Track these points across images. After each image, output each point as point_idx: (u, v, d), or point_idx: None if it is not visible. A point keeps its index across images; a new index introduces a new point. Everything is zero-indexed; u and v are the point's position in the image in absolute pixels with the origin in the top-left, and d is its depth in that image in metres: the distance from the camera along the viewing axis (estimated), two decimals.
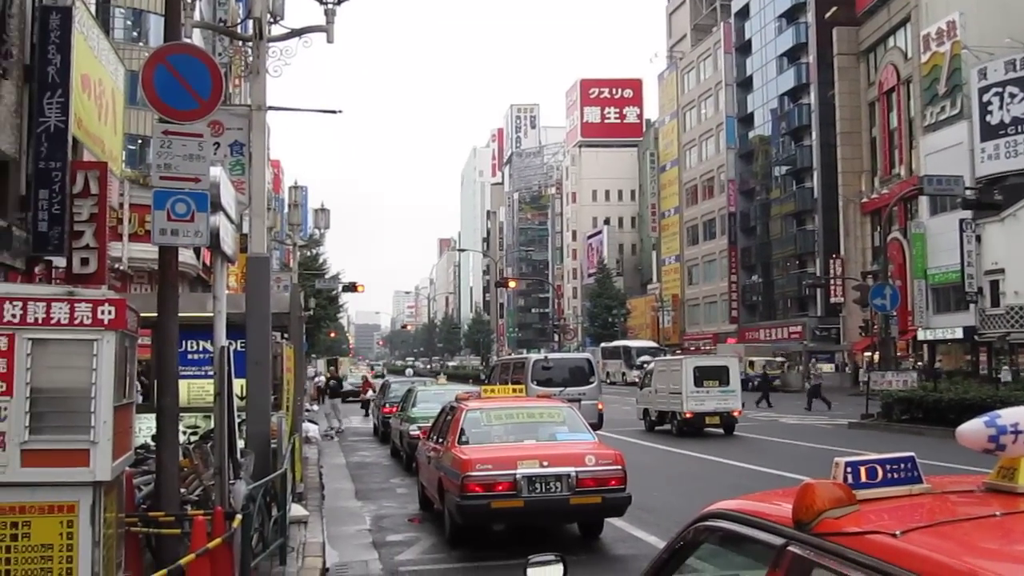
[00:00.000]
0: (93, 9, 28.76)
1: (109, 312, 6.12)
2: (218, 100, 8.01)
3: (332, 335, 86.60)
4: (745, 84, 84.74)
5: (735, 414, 27.53)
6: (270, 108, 11.76)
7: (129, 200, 31.24)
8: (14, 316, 6.02)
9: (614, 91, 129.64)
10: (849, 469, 2.61)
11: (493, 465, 10.97)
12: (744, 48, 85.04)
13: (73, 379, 6.12)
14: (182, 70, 7.93)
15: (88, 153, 26.37)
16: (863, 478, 2.61)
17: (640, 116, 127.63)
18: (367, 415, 37.62)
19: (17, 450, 6.03)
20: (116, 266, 28.51)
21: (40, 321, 6.05)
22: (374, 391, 38.76)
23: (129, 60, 35.59)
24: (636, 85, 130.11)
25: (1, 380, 6.00)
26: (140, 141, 44.11)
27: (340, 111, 21.51)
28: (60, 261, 23.90)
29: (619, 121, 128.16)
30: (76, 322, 6.09)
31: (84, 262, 23.59)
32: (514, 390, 14.55)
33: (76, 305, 6.09)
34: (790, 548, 2.56)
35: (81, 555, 6.17)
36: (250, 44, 12.09)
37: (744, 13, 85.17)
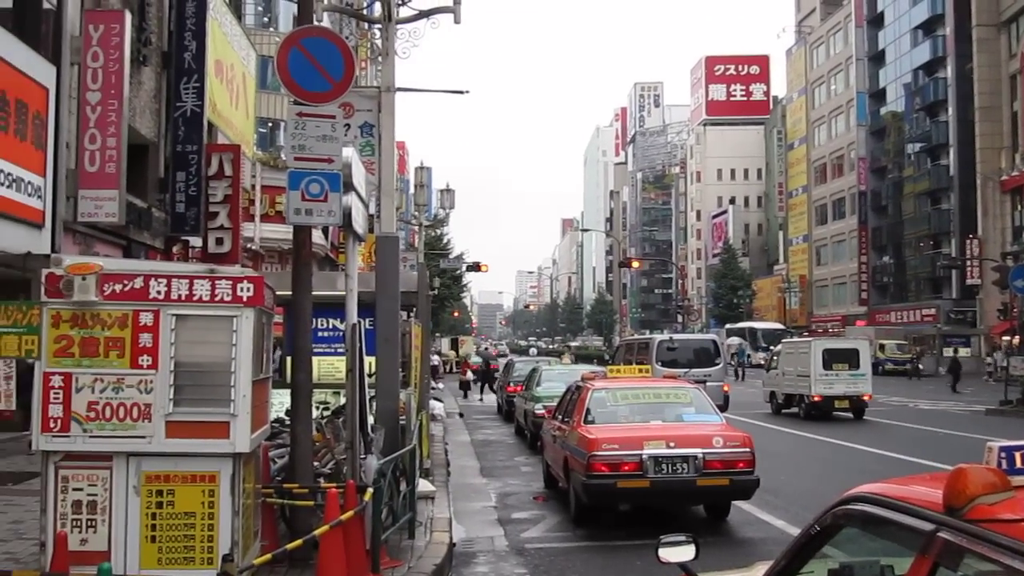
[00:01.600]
0: None
1: (248, 289, 6.31)
2: (350, 82, 8.16)
3: (456, 314, 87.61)
4: (877, 58, 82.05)
5: (865, 398, 26.82)
6: (399, 89, 11.90)
7: (261, 181, 32.21)
8: (159, 293, 6.26)
9: (740, 68, 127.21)
10: (1003, 454, 2.51)
11: (619, 445, 10.94)
12: (876, 21, 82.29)
13: (214, 354, 6.35)
14: (316, 53, 8.09)
15: (222, 136, 27.26)
16: (1018, 464, 2.51)
17: (767, 93, 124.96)
18: (465, 396, 37.99)
19: (162, 421, 6.29)
20: (249, 245, 29.44)
21: (183, 298, 6.29)
22: (474, 373, 39.15)
23: (260, 45, 36.57)
24: (763, 61, 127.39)
25: (147, 354, 6.26)
26: (271, 124, 45.27)
27: (467, 91, 21.64)
28: (196, 241, 24.84)
29: (745, 99, 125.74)
30: (217, 299, 6.30)
31: (219, 242, 24.47)
32: (640, 370, 14.47)
33: (217, 283, 6.30)
34: (940, 534, 2.48)
35: (222, 523, 6.40)
36: (379, 26, 12.22)
37: None
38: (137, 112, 21.60)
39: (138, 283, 6.25)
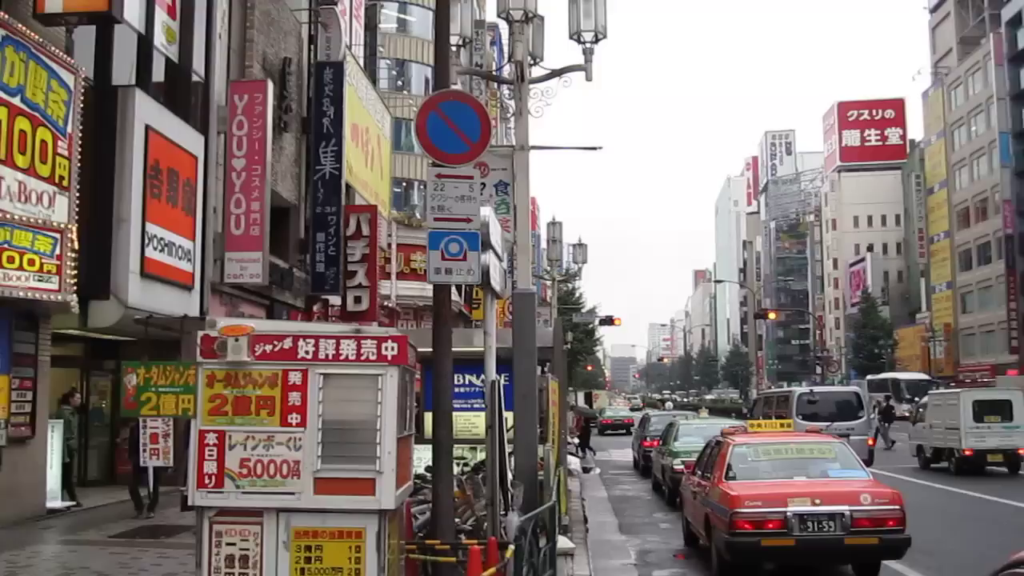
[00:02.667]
0: (362, 62, 30.66)
1: (392, 348, 6.44)
2: (486, 143, 8.32)
3: (589, 368, 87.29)
4: (1019, 97, 79.23)
5: (1021, 452, 25.54)
6: (532, 148, 12.05)
7: (396, 240, 32.96)
8: (307, 353, 6.45)
9: (874, 112, 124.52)
10: None
11: (763, 502, 10.69)
12: (1017, 58, 79.51)
13: (360, 412, 6.47)
14: (453, 116, 8.29)
15: (359, 197, 28.06)
16: None
17: (903, 137, 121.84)
18: (582, 456, 35.46)
19: (311, 478, 6.43)
20: (385, 303, 30.08)
21: (330, 357, 6.45)
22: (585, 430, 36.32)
23: (394, 108, 37.64)
24: (898, 105, 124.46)
25: (296, 412, 6.44)
26: (405, 184, 46.36)
27: (600, 147, 21.75)
28: (336, 299, 25.55)
29: (880, 143, 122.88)
30: (363, 358, 6.44)
31: (357, 300, 25.13)
32: (781, 425, 14.16)
33: (362, 342, 6.45)
34: None
35: None
36: (511, 87, 12.44)
37: (1017, 21, 79.66)
38: (279, 176, 22.43)
39: (287, 344, 6.44)
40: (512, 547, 7.88)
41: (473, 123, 8.30)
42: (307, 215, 24.38)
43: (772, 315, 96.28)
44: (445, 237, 7.96)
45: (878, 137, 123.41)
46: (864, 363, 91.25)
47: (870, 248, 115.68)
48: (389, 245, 31.37)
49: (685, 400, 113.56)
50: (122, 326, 15.64)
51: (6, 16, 12.61)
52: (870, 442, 24.50)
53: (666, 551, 14.23)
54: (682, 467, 17.09)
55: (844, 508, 10.55)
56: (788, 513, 10.49)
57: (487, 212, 8.42)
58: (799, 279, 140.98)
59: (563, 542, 11.88)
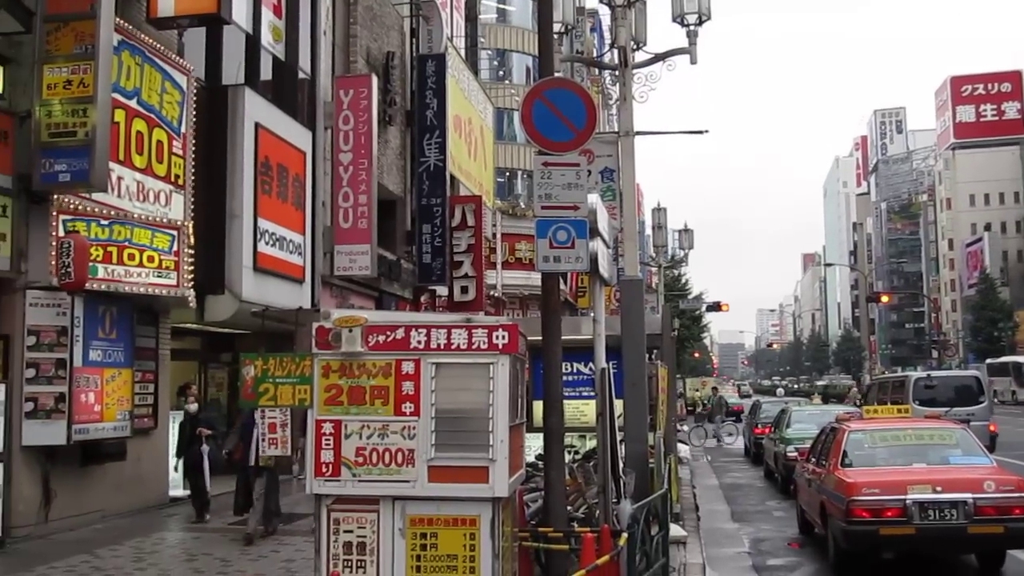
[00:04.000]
0: (463, 53, 30.82)
1: (503, 337, 6.47)
2: (592, 129, 8.28)
3: (696, 355, 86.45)
4: None
5: None
6: (637, 133, 11.94)
7: (501, 230, 33.08)
8: (419, 342, 6.52)
9: (989, 86, 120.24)
10: None
11: (881, 490, 10.43)
12: None
13: (472, 400, 6.52)
14: (558, 103, 8.26)
15: (463, 188, 28.26)
16: None
17: (1021, 111, 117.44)
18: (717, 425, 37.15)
19: (425, 466, 6.50)
20: (491, 293, 30.24)
21: (442, 347, 6.51)
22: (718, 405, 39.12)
23: (496, 98, 37.75)
24: (1015, 78, 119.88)
25: (409, 401, 6.51)
26: (508, 173, 46.51)
27: (706, 131, 21.39)
28: (442, 290, 25.79)
29: (996, 118, 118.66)
30: (474, 347, 6.49)
31: (464, 290, 25.32)
32: (899, 410, 13.79)
33: (473, 331, 6.49)
34: None
35: (483, 565, 6.53)
36: (614, 73, 12.34)
37: None
38: (385, 169, 22.71)
39: (399, 334, 6.52)
40: (625, 535, 7.85)
41: (578, 110, 8.26)
42: (413, 207, 24.65)
43: (885, 298, 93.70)
44: (553, 225, 7.94)
45: (994, 112, 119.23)
46: (983, 346, 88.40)
47: (987, 227, 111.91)
48: (494, 235, 31.50)
49: (795, 386, 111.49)
50: (237, 319, 16.05)
51: (123, 22, 13.01)
52: (992, 428, 23.70)
53: (780, 539, 14.01)
54: (796, 454, 16.80)
55: (967, 496, 10.22)
56: (908, 501, 10.21)
57: (594, 199, 8.38)
58: (912, 261, 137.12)
59: (675, 530, 11.78)
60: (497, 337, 6.48)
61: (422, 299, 25.23)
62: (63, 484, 12.54)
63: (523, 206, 37.75)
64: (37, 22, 11.79)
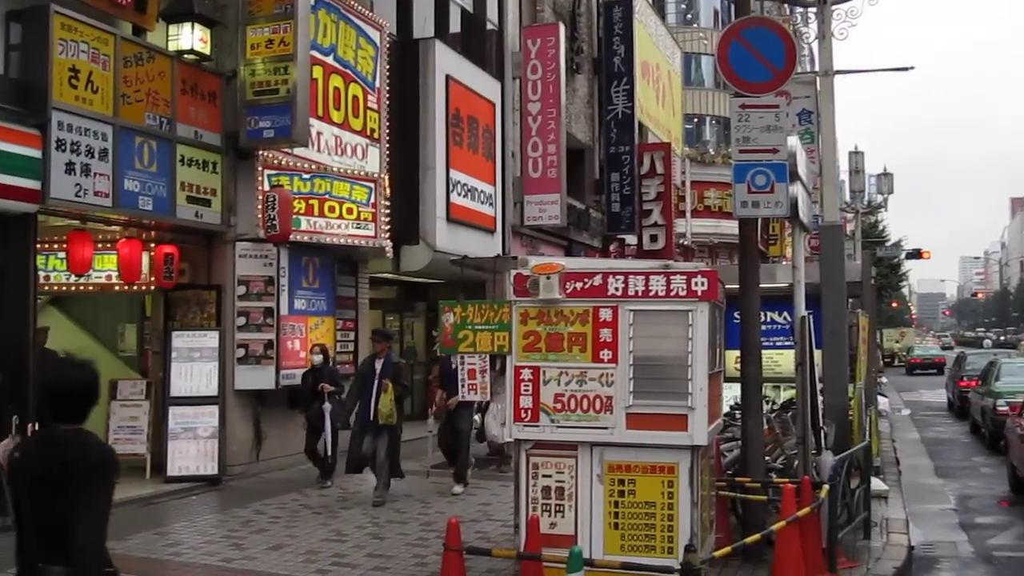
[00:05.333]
0: None
1: (702, 284, 6.38)
2: (792, 69, 8.01)
3: (894, 305, 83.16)
4: None
5: None
6: (837, 72, 11.44)
7: (689, 177, 32.57)
8: (617, 290, 6.50)
9: None
10: None
11: None
12: None
13: (670, 348, 6.47)
14: (756, 43, 8.02)
15: (651, 135, 27.92)
16: None
17: None
18: None
19: (623, 413, 6.51)
20: (680, 241, 29.87)
21: (640, 294, 6.48)
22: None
23: (684, 43, 37.01)
24: None
25: (607, 349, 6.52)
26: (696, 120, 45.62)
27: (911, 68, 20.34)
28: (631, 238, 25.65)
29: None
30: (672, 294, 6.43)
31: (653, 239, 25.13)
32: None
33: (672, 278, 6.43)
34: None
35: (681, 513, 6.51)
36: (812, 10, 11.84)
37: None
38: (573, 118, 22.65)
39: (597, 281, 6.52)
40: (827, 487, 7.66)
41: (777, 49, 8.00)
42: (601, 155, 24.54)
43: None
44: (751, 169, 7.75)
45: None
46: None
47: None
48: (683, 182, 31.04)
49: (1002, 339, 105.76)
50: (431, 269, 16.41)
51: None
52: None
53: (989, 497, 13.38)
54: (1006, 408, 15.96)
55: None
56: None
57: (794, 142, 8.11)
58: None
59: (876, 484, 11.40)
60: (696, 284, 6.40)
61: (611, 248, 25.16)
62: (272, 426, 13.18)
63: (712, 153, 36.97)
64: None
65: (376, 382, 10.96)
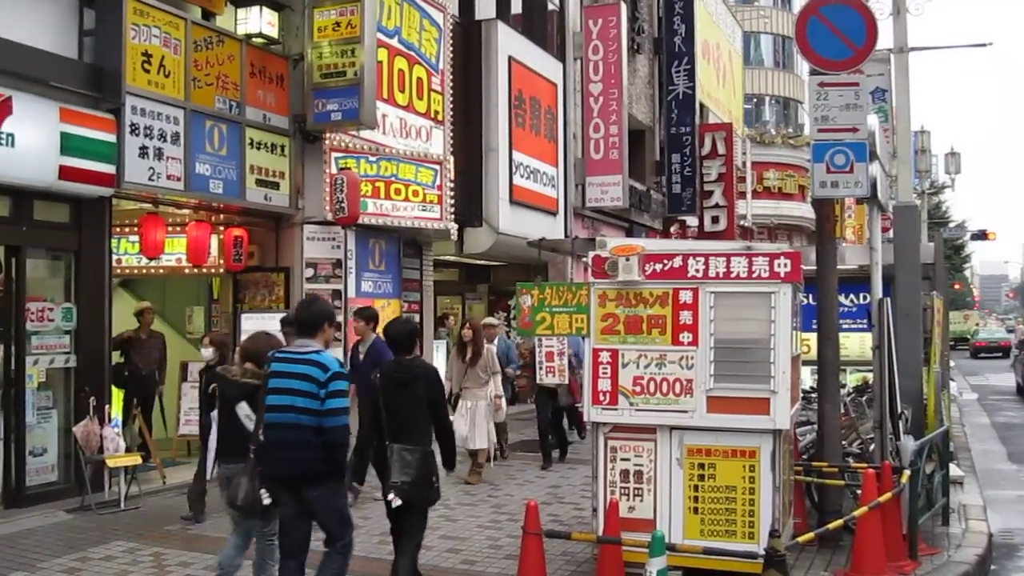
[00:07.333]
0: None
1: (785, 265, 6.27)
2: (873, 46, 7.84)
3: (957, 287, 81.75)
4: None
5: None
6: (912, 49, 11.21)
7: (750, 158, 32.20)
8: (697, 271, 6.42)
9: None
10: None
11: None
12: None
13: (752, 330, 6.38)
14: (835, 19, 7.86)
15: (711, 116, 27.62)
16: None
17: None
18: None
19: (703, 396, 6.44)
20: (741, 222, 29.56)
21: (721, 275, 6.39)
22: None
23: (744, 21, 36.55)
24: None
25: (687, 331, 6.44)
26: (755, 100, 45.11)
27: (990, 43, 19.87)
28: (692, 220, 25.42)
29: None
30: (754, 275, 6.33)
31: (715, 220, 24.87)
32: None
33: (754, 259, 6.33)
34: None
35: (763, 498, 6.43)
36: None
37: None
38: (634, 99, 22.49)
39: (677, 262, 6.44)
40: (908, 472, 7.53)
41: (857, 26, 7.83)
42: (661, 136, 24.34)
43: None
44: (830, 149, 7.61)
45: None
46: None
47: None
48: (744, 163, 30.70)
49: None
50: (493, 251, 16.40)
51: None
52: None
53: None
54: None
55: None
56: None
57: (874, 121, 7.96)
58: None
59: (952, 470, 11.21)
60: (779, 265, 6.30)
61: (672, 229, 24.98)
62: None
63: (772, 133, 36.53)
64: None
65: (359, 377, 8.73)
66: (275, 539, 5.94)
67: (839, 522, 6.68)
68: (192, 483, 9.06)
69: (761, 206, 33.20)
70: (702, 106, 25.76)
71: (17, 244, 9.42)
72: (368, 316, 10.24)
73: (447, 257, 16.95)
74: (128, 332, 12.07)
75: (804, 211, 35.53)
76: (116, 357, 11.48)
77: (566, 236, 18.39)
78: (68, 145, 9.31)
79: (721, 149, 24.90)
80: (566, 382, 11.96)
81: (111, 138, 9.74)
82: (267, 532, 6.11)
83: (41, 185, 9.25)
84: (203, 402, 8.81)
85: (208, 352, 8.87)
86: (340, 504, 5.73)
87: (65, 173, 9.32)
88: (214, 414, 7.78)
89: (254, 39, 11.96)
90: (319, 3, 12.15)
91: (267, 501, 5.57)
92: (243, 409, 6.27)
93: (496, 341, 12.02)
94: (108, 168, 9.73)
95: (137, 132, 10.00)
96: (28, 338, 9.49)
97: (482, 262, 18.65)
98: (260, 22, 11.95)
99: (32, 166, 9.04)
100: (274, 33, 12.22)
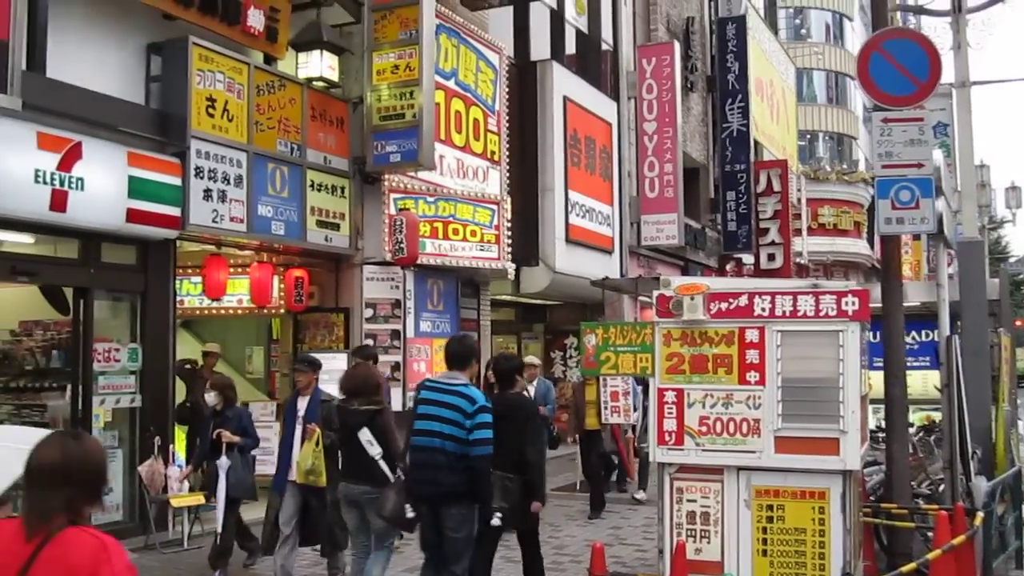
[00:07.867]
0: (762, 13, 29.91)
1: (853, 303, 6.19)
2: (936, 81, 7.77)
3: (1019, 324, 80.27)
4: None
5: None
6: (974, 83, 11.10)
7: (805, 195, 31.95)
8: (763, 310, 6.35)
9: None
10: None
11: None
12: None
13: (820, 369, 6.29)
14: (897, 55, 7.80)
15: (766, 152, 27.48)
16: None
17: None
18: None
19: (771, 436, 6.35)
20: (797, 260, 29.29)
21: (787, 314, 6.31)
22: None
23: (796, 58, 36.42)
24: None
25: (754, 370, 6.37)
26: (808, 136, 44.82)
27: None
28: (748, 257, 25.24)
29: None
30: (821, 314, 6.25)
31: (771, 257, 24.67)
32: None
33: (821, 298, 6.25)
34: None
35: (833, 541, 6.30)
36: (947, 19, 11.52)
37: None
38: (688, 136, 22.46)
39: (743, 301, 6.38)
40: (981, 514, 7.35)
41: (921, 61, 7.77)
42: (716, 174, 24.25)
43: None
44: (895, 185, 7.54)
45: None
46: None
47: None
48: (799, 200, 30.47)
49: None
50: (549, 290, 16.39)
51: (439, 6, 13.52)
52: None
53: None
54: None
55: None
56: None
57: (939, 156, 7.87)
58: None
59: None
60: (846, 303, 6.22)
61: (727, 267, 24.82)
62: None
63: (827, 169, 36.22)
64: (366, 12, 12.44)
65: (297, 427, 8.03)
66: (390, 547, 7.05)
67: (912, 565, 6.52)
68: (220, 540, 8.44)
69: (816, 243, 32.84)
70: (756, 143, 25.65)
71: (85, 286, 9.61)
72: (312, 363, 8.46)
73: (504, 296, 16.96)
74: (192, 364, 12.17)
75: (860, 247, 35.13)
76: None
77: (622, 275, 18.33)
78: (135, 188, 9.50)
79: (776, 186, 24.75)
80: (632, 421, 11.87)
81: (177, 181, 9.92)
82: (388, 543, 7.05)
83: (109, 228, 9.43)
84: (211, 449, 8.48)
85: (211, 397, 8.66)
86: (466, 533, 6.27)
87: (132, 216, 9.50)
88: (220, 461, 8.26)
89: (315, 83, 12.14)
90: (377, 47, 12.32)
91: (410, 515, 6.29)
92: (364, 435, 6.97)
93: (535, 382, 11.86)
94: (174, 211, 9.91)
95: (201, 175, 10.18)
96: (95, 378, 9.63)
97: (538, 301, 18.64)
98: (321, 66, 12.13)
99: (101, 209, 9.23)
100: (334, 76, 12.40)
